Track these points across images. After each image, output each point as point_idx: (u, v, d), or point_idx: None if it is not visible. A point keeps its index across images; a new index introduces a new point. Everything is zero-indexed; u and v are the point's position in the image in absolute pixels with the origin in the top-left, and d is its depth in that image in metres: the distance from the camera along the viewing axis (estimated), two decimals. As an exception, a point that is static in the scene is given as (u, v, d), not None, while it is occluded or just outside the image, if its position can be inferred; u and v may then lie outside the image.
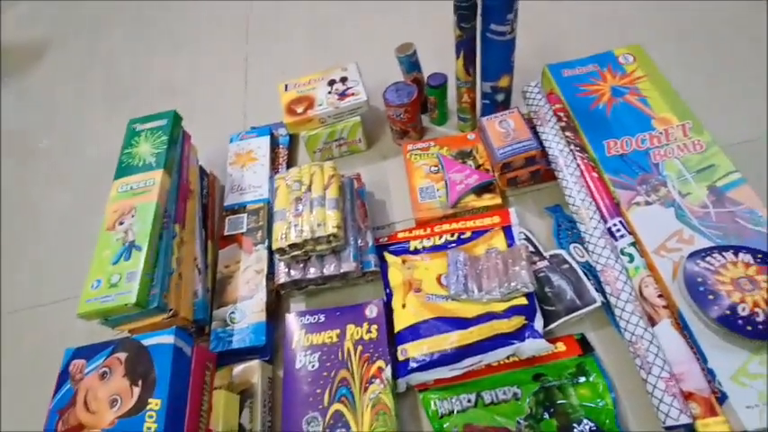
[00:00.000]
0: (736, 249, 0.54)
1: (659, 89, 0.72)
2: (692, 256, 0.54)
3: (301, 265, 0.60)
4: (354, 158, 0.81)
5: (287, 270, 0.60)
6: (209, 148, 0.86)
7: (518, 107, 0.70)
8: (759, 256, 0.53)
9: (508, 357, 0.55)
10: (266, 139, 0.81)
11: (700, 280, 0.52)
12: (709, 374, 0.49)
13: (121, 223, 0.59)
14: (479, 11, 0.62)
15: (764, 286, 0.50)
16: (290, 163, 0.82)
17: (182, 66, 1.08)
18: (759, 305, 0.49)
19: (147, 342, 0.48)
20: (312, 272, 0.59)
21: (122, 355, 0.48)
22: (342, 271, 0.59)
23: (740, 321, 0.49)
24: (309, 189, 0.62)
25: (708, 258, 0.53)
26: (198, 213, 0.71)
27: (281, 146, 0.83)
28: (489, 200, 0.67)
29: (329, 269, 0.59)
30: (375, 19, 1.04)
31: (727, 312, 0.49)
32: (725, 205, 0.59)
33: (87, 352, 0.50)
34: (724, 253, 0.53)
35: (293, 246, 0.58)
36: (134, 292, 0.53)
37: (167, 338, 0.48)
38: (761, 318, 0.48)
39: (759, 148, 0.68)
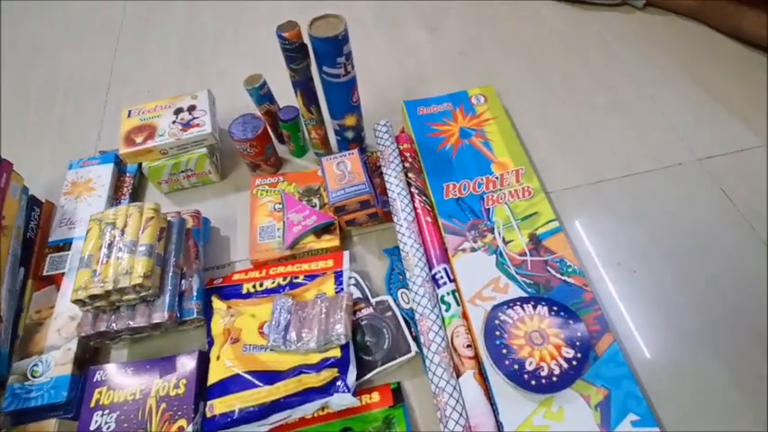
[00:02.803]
0: (536, 301, 0.56)
1: (503, 133, 0.75)
2: (496, 308, 0.56)
3: (111, 315, 0.56)
4: (206, 190, 0.78)
5: (92, 321, 0.56)
6: (55, 174, 0.80)
7: (360, 149, 0.69)
8: (555, 308, 0.55)
9: (322, 409, 0.55)
10: (109, 167, 0.76)
11: (498, 333, 0.54)
12: (500, 427, 0.51)
13: None
14: (314, 54, 0.61)
15: (553, 341, 0.52)
16: (136, 194, 0.77)
17: (38, 72, 0.99)
18: (545, 359, 0.51)
19: None
20: (119, 323, 0.55)
21: None
22: (152, 322, 0.55)
23: (526, 376, 0.50)
24: (123, 233, 0.58)
25: (509, 311, 0.55)
26: (13, 252, 0.65)
27: (127, 174, 0.78)
28: (327, 242, 0.66)
29: (138, 320, 0.55)
30: (253, 42, 1.00)
31: (515, 367, 0.51)
32: (540, 253, 0.62)
33: None
34: (525, 305, 0.56)
35: (95, 297, 0.54)
36: None
37: None
38: (545, 372, 0.50)
39: (584, 194, 0.72)
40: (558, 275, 0.59)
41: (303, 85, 0.64)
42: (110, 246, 0.57)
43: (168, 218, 0.63)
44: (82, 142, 0.86)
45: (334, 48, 0.59)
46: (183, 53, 1.00)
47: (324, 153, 0.76)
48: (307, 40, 0.60)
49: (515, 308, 0.55)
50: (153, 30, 1.06)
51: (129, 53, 1.02)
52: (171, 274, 0.59)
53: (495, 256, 0.62)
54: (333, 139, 0.76)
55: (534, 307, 0.55)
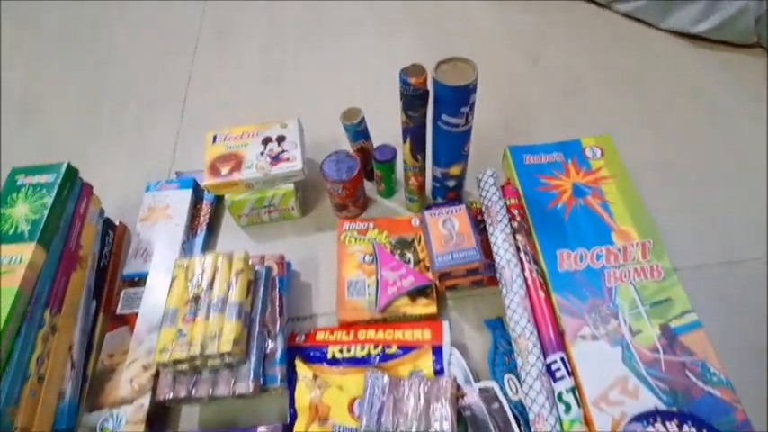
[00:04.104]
0: (682, 419, 0.47)
1: (624, 195, 0.66)
2: (634, 421, 0.48)
3: (191, 378, 0.51)
4: (285, 225, 0.72)
5: (171, 383, 0.51)
6: (127, 191, 0.76)
7: (466, 204, 0.62)
8: (704, 431, 0.46)
9: None
10: (187, 194, 0.71)
11: (637, 457, 0.46)
12: None
13: (-33, 313, 0.48)
14: (431, 98, 0.54)
15: (706, 476, 0.44)
16: (213, 223, 0.72)
17: (113, 78, 0.95)
18: (698, 500, 0.43)
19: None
20: (200, 390, 0.50)
21: None
22: (236, 393, 0.50)
23: None
24: (211, 287, 0.52)
25: (649, 429, 0.47)
26: (87, 284, 0.61)
27: (205, 201, 0.73)
28: (423, 307, 0.59)
29: (221, 389, 0.50)
30: (337, 66, 0.93)
31: (662, 506, 0.43)
32: (676, 353, 0.53)
33: None
34: (668, 422, 0.47)
35: (178, 361, 0.48)
36: (-39, 417, 0.42)
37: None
38: None
39: (717, 277, 0.62)
40: (701, 384, 0.51)
41: (415, 133, 0.57)
42: (196, 300, 0.52)
43: (255, 267, 0.57)
44: (156, 157, 0.82)
45: (462, 97, 0.52)
46: (263, 63, 0.95)
47: (418, 200, 0.69)
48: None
49: (656, 425, 0.47)
50: (232, 37, 1.01)
51: (207, 62, 0.97)
52: (257, 334, 0.53)
53: (620, 348, 0.54)
54: (429, 184, 0.69)
55: (680, 426, 0.47)
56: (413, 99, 0.52)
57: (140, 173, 0.78)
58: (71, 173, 0.60)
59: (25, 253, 0.52)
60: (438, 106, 0.54)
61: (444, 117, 0.54)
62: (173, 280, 0.54)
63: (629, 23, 0.94)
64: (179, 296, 0.52)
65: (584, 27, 0.94)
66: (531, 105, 0.83)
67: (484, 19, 0.97)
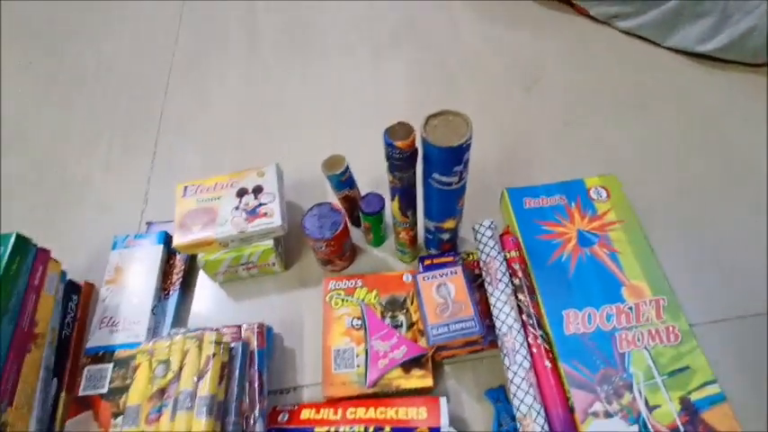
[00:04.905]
0: None
1: (633, 243, 0.60)
2: None
3: (158, 480, 0.45)
4: (267, 281, 0.66)
5: (136, 489, 0.45)
6: (94, 241, 0.70)
7: (461, 264, 0.56)
8: None
9: None
10: (158, 249, 0.65)
11: None
12: None
13: None
14: (420, 156, 0.48)
15: None
16: (187, 280, 0.66)
17: (80, 112, 0.89)
18: None
19: None
20: (169, 496, 0.44)
21: None
22: (208, 497, 0.44)
23: None
24: (178, 377, 0.46)
25: None
26: (45, 364, 0.55)
27: (178, 256, 0.67)
28: (418, 379, 0.54)
29: (192, 493, 0.44)
30: (320, 97, 0.87)
31: None
32: (699, 431, 0.48)
33: None
34: None
35: (141, 469, 0.43)
36: None
37: None
38: None
39: (733, 333, 0.57)
40: (727, 471, 0.46)
41: (404, 192, 0.52)
42: (161, 394, 0.46)
43: (230, 344, 0.51)
44: (125, 203, 0.75)
45: (455, 156, 0.46)
46: (241, 97, 0.88)
47: (410, 252, 0.63)
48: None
49: None
50: (208, 67, 0.94)
51: (181, 97, 0.90)
52: (232, 425, 0.48)
53: (637, 426, 0.49)
54: (421, 234, 0.63)
55: None
56: (399, 161, 0.46)
57: (109, 223, 0.72)
58: (21, 243, 0.53)
59: (-34, 345, 0.46)
60: (429, 166, 0.48)
61: (435, 176, 0.49)
62: (135, 369, 0.48)
63: (630, 41, 0.88)
64: (142, 390, 0.46)
65: (582, 46, 0.89)
66: (529, 136, 0.77)
67: (477, 41, 0.91)
